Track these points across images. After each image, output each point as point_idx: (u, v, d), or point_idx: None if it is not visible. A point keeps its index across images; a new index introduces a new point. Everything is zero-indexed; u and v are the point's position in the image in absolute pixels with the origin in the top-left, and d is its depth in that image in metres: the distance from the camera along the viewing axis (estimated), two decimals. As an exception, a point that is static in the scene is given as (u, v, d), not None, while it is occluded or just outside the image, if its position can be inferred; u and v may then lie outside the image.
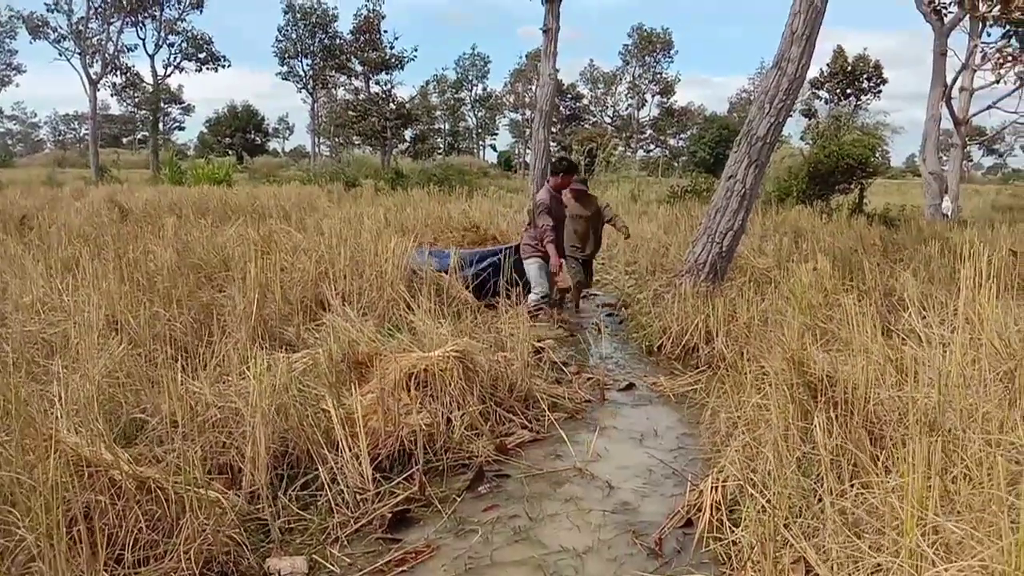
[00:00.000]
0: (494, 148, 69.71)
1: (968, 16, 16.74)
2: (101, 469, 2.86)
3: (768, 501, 2.73)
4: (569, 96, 59.66)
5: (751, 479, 2.91)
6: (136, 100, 51.91)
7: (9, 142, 67.96)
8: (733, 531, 2.92)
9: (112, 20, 38.35)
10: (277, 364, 3.87)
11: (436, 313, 6.11)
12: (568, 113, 59.45)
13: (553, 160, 8.57)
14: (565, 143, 48.98)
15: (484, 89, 66.87)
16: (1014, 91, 17.33)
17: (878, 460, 2.55)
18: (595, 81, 62.53)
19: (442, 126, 65.19)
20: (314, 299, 6.22)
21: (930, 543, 1.92)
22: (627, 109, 61.80)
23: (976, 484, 2.22)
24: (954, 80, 17.36)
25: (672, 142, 61.22)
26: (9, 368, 3.58)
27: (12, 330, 4.67)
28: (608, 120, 61.90)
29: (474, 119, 69.05)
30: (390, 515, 3.33)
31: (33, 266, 6.36)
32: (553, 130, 34.45)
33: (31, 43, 38.34)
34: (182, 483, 2.91)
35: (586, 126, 57.71)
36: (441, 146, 63.24)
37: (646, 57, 58.30)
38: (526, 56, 61.18)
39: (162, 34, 40.81)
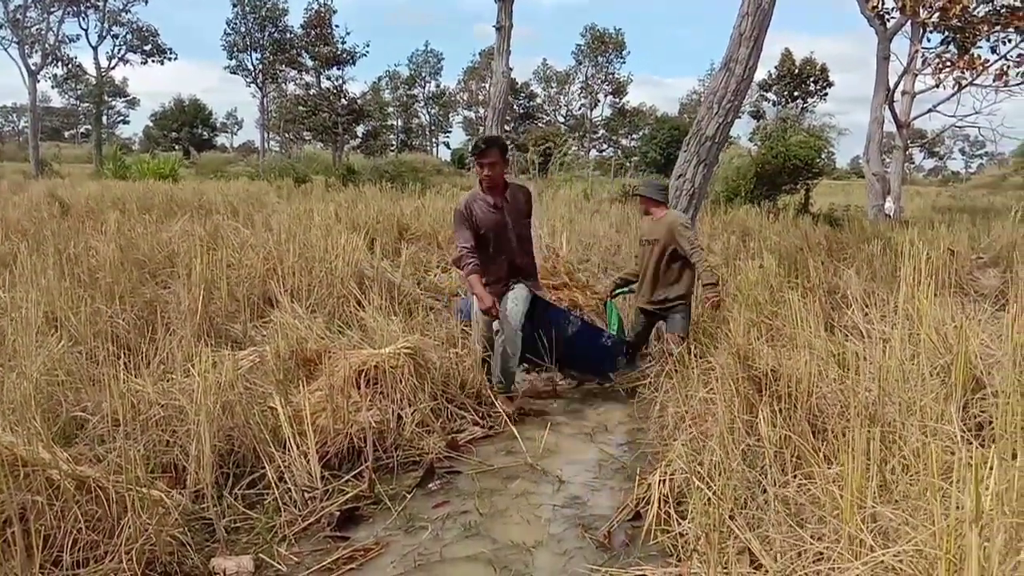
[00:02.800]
0: (448, 146, 69.56)
1: (910, 22, 17.21)
2: (38, 469, 2.77)
3: (714, 493, 2.77)
4: (523, 95, 59.72)
5: (698, 472, 2.96)
6: (78, 92, 50.57)
7: (-58, 134, 65.49)
8: (680, 523, 2.96)
9: (52, 9, 37.19)
10: (223, 361, 3.80)
11: (387, 310, 6.07)
12: (522, 112, 59.53)
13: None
14: (519, 141, 49.08)
15: (437, 86, 66.62)
16: (952, 95, 17.86)
17: (820, 451, 2.60)
18: (548, 80, 62.67)
19: (395, 123, 64.71)
20: (262, 296, 6.13)
21: (868, 530, 1.97)
22: (580, 109, 62.11)
23: (913, 474, 2.29)
24: (896, 84, 17.83)
25: (624, 142, 61.60)
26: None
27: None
28: (561, 119, 62.13)
29: (427, 116, 68.74)
30: (339, 513, 3.29)
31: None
32: (507, 128, 34.50)
33: (-36, 31, 36.87)
34: (124, 482, 2.84)
35: (540, 125, 57.88)
36: (394, 143, 62.80)
37: (599, 57, 58.64)
38: (480, 54, 61.15)
39: (105, 25, 39.75)
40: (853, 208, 18.49)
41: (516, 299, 4.81)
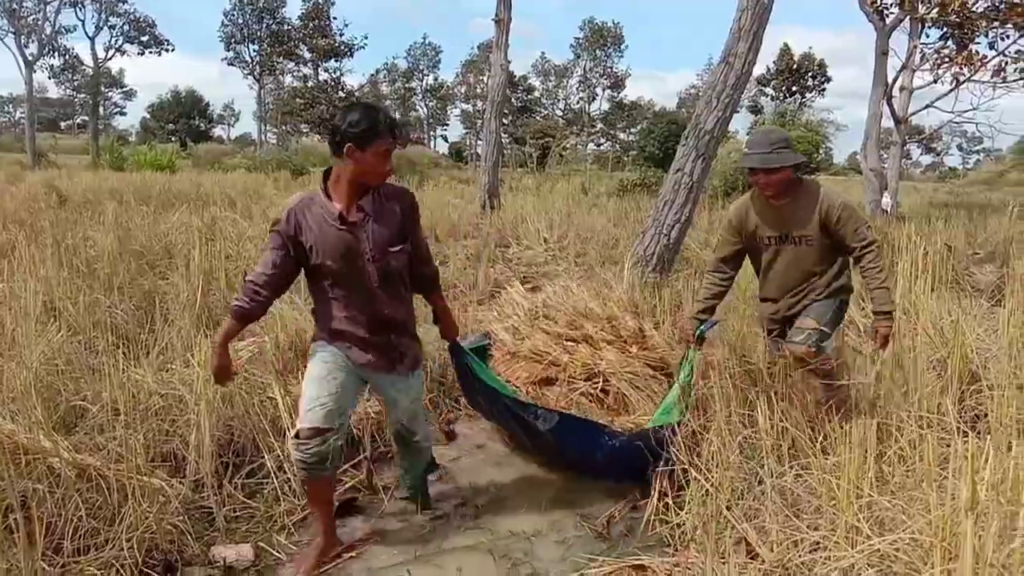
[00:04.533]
0: (445, 139, 69.52)
1: (908, 17, 17.21)
2: (39, 457, 2.79)
3: (712, 484, 2.79)
4: (521, 88, 59.63)
5: (696, 463, 2.97)
6: (75, 83, 50.38)
7: (-62, 124, 65.28)
8: (678, 514, 2.98)
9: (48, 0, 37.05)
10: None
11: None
12: (520, 105, 59.40)
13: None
14: (517, 135, 49.03)
15: (435, 79, 66.53)
16: (950, 92, 17.84)
17: (816, 443, 2.62)
18: (547, 74, 62.63)
19: (393, 115, 64.55)
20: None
21: (865, 519, 1.99)
22: (578, 102, 62.06)
23: (909, 464, 2.31)
24: (895, 79, 17.83)
25: (622, 136, 61.57)
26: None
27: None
28: (559, 113, 62.07)
29: (425, 109, 68.64)
30: (337, 503, 3.31)
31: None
32: (505, 121, 34.48)
33: (-40, 21, 36.69)
34: (124, 471, 2.86)
35: (537, 118, 57.76)
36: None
37: (597, 51, 58.59)
38: (478, 47, 61.03)
39: (103, 15, 39.58)
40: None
41: (415, 404, 3.12)
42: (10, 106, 77.53)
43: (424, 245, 3.05)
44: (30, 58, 36.02)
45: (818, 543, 2.17)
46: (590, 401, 4.18)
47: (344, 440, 2.89)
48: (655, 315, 6.53)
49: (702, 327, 3.86)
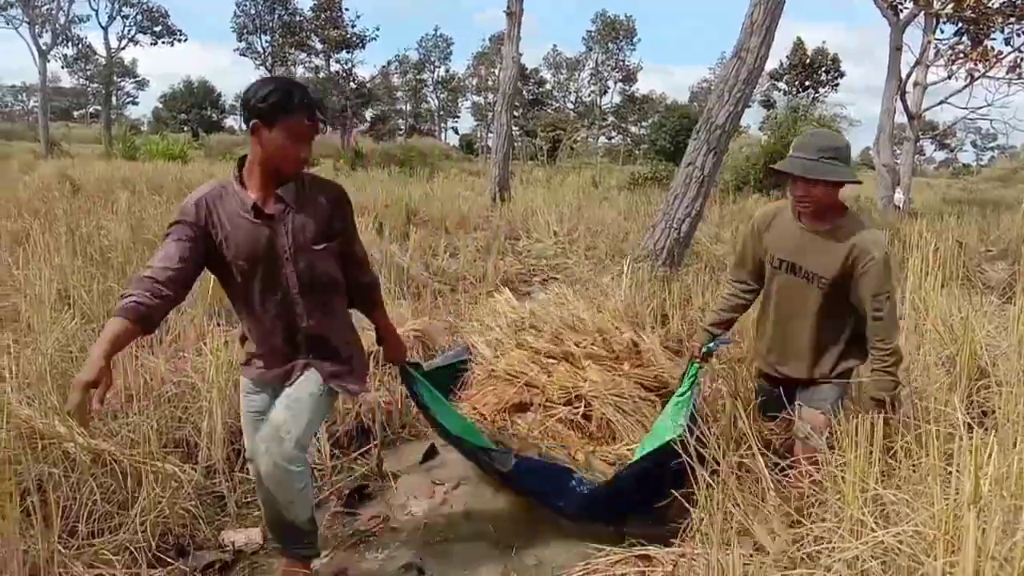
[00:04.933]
0: (456, 131, 69.43)
1: (923, 12, 17.10)
2: (55, 442, 2.84)
3: (717, 478, 2.81)
4: (532, 81, 59.54)
5: (701, 456, 2.99)
6: (88, 73, 50.54)
7: (-47, 113, 65.71)
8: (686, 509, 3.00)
9: (63, -11, 37.18)
10: (234, 341, 3.85)
11: (396, 293, 6.13)
12: (531, 98, 59.32)
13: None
14: (528, 127, 48.97)
15: (447, 71, 66.47)
16: (965, 88, 17.75)
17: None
18: (558, 66, 62.52)
19: (404, 107, 64.62)
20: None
21: (870, 512, 2.01)
22: (590, 95, 61.93)
23: (916, 459, 2.32)
24: (908, 75, 17.73)
25: (634, 129, 61.42)
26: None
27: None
28: (571, 106, 61.96)
29: (436, 101, 68.60)
30: (347, 491, 3.35)
31: (-20, 239, 6.22)
32: (516, 114, 34.42)
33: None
34: (138, 456, 2.90)
35: (549, 111, 57.68)
36: (402, 127, 62.72)
37: (609, 44, 58.42)
38: (489, 39, 60.97)
39: (116, 5, 39.70)
40: (863, 199, 18.44)
41: (295, 403, 2.44)
42: (24, 95, 77.90)
43: (361, 250, 2.60)
44: (44, 47, 36.19)
45: (822, 536, 2.19)
46: (569, 428, 3.60)
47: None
48: (664, 308, 6.56)
49: (711, 343, 3.37)
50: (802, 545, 2.24)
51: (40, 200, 9.78)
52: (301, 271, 2.36)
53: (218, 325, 4.65)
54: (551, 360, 3.91)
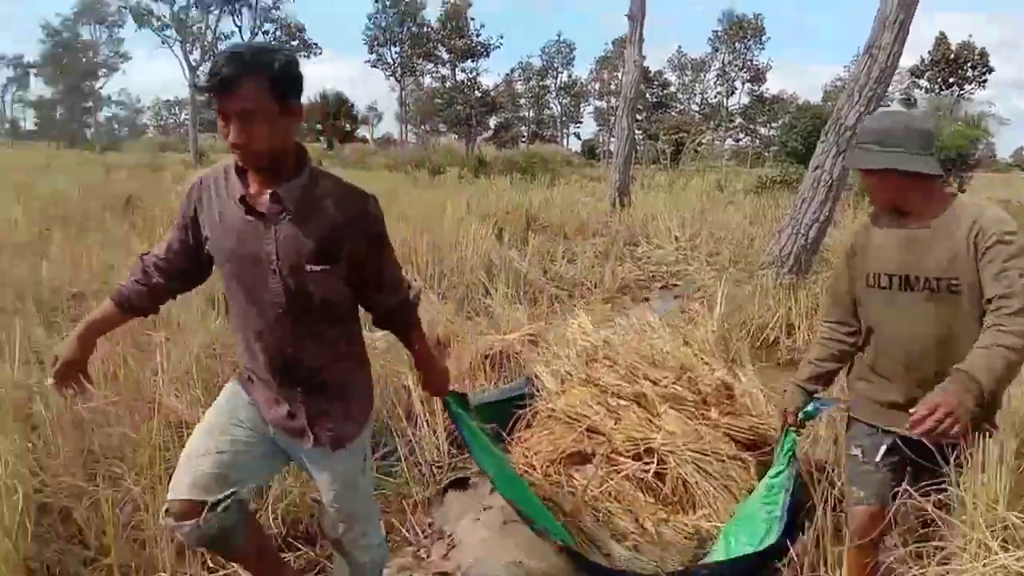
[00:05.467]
0: (578, 136, 69.52)
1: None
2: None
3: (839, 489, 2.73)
4: (656, 84, 58.85)
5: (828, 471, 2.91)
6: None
7: (115, 127, 71.38)
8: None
9: (211, 8, 39.88)
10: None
11: (513, 298, 6.25)
12: (655, 101, 58.63)
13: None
14: (651, 131, 48.43)
15: (569, 76, 66.65)
16: None
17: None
18: (683, 68, 61.51)
19: (526, 114, 65.25)
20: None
21: (995, 536, 1.92)
22: (716, 97, 60.62)
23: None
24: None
25: (763, 131, 59.61)
26: (118, 339, 3.87)
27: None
28: (696, 108, 60.84)
29: (558, 107, 68.92)
30: (447, 482, 3.44)
31: (138, 245, 6.77)
32: (639, 118, 34.08)
33: (136, 31, 40.22)
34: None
35: (672, 114, 56.83)
36: (525, 134, 63.36)
37: (736, 44, 56.99)
38: (612, 43, 60.71)
39: (258, 22, 42.22)
40: (1015, 203, 17.18)
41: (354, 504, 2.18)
42: (176, 109, 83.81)
43: (392, 272, 2.08)
44: (194, 63, 38.94)
45: (946, 560, 2.11)
46: (637, 488, 2.98)
47: (243, 515, 2.04)
48: (789, 318, 6.37)
49: (810, 406, 2.66)
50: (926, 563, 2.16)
51: (190, 208, 10.51)
52: (288, 288, 1.90)
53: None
54: (621, 401, 3.27)
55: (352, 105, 66.59)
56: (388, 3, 44.86)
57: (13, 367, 3.38)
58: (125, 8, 40.51)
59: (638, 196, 15.85)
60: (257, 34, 42.37)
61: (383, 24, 45.40)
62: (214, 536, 1.96)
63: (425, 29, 45.02)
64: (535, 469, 3.02)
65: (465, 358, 4.41)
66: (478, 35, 44.16)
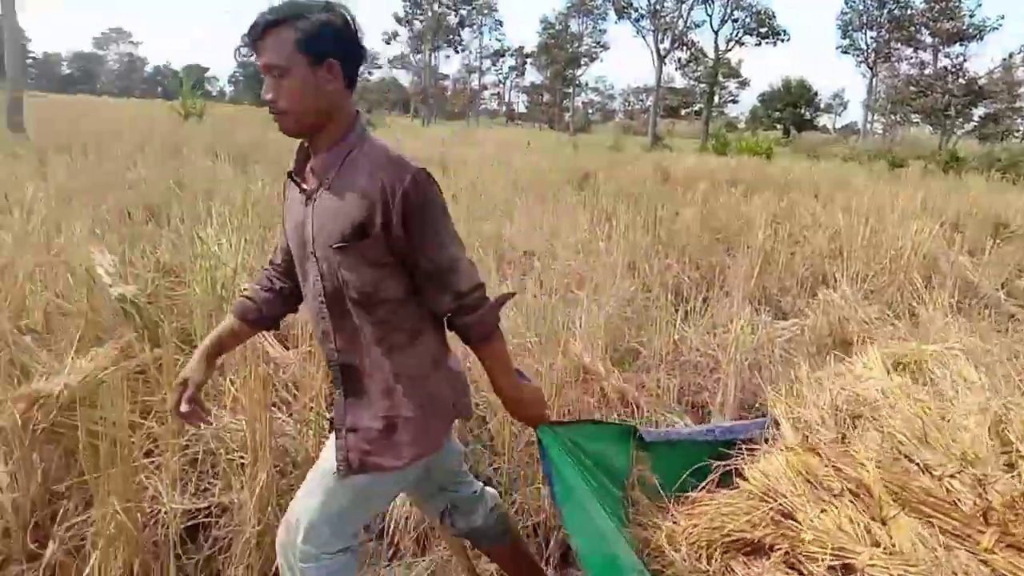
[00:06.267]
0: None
1: None
2: (595, 379, 3.48)
3: None
4: None
5: None
6: (697, 74, 55.45)
7: (589, 111, 78.56)
8: None
9: (685, -1, 41.48)
10: (762, 327, 4.12)
11: (952, 308, 5.63)
12: None
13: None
14: None
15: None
16: None
17: None
18: None
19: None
20: (818, 274, 6.24)
21: None
22: None
23: None
24: None
25: None
26: (551, 292, 4.46)
27: (558, 263, 5.70)
28: None
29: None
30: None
31: (583, 215, 7.56)
32: None
33: (616, 23, 43.75)
34: (656, 406, 3.37)
35: None
36: (1021, 128, 54.34)
37: None
38: None
39: (728, 10, 42.66)
40: None
41: (309, 480, 1.86)
42: (642, 95, 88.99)
43: (436, 261, 1.67)
44: (662, 52, 40.96)
45: None
46: None
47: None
48: None
49: None
50: None
51: (633, 186, 11.30)
52: (323, 273, 1.70)
53: (756, 313, 4.94)
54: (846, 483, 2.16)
55: (816, 93, 64.00)
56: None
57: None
58: (609, 1, 44.15)
59: None
60: (726, 21, 42.89)
61: (861, 7, 42.56)
62: None
63: (908, 11, 41.09)
64: (678, 548, 2.06)
65: (869, 359, 4.16)
66: (971, 15, 38.97)
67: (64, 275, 3.55)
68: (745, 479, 2.18)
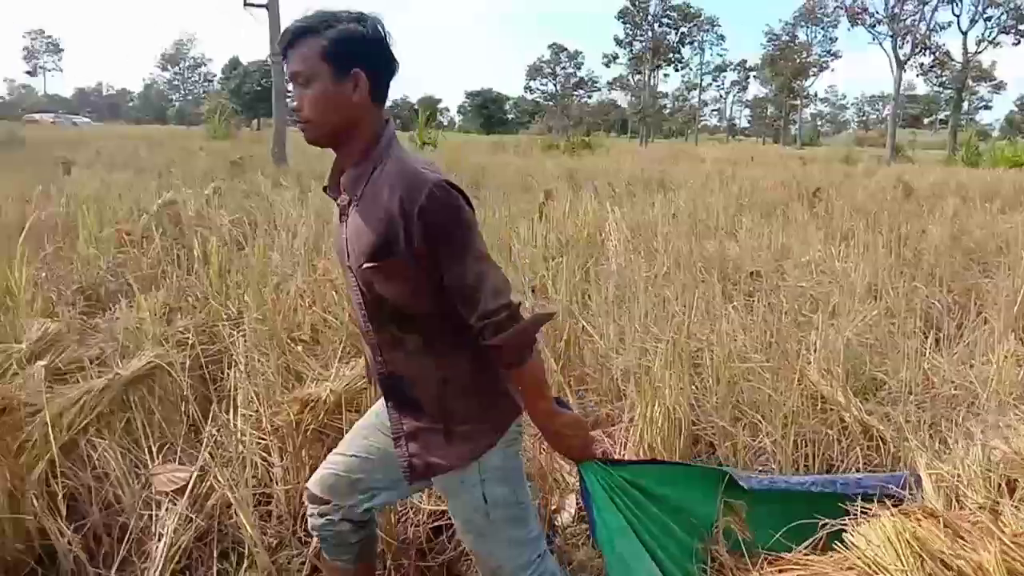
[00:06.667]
0: None
1: None
2: (834, 409, 3.28)
3: None
4: None
5: None
6: (942, 79, 50.78)
7: (819, 123, 74.48)
8: None
9: (927, 0, 38.23)
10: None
11: None
12: None
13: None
14: None
15: None
16: None
17: None
18: None
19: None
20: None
21: None
22: None
23: None
24: None
25: None
26: (781, 314, 4.28)
27: (789, 284, 5.44)
28: None
29: None
30: None
31: (815, 233, 7.17)
32: None
33: (848, 30, 41.23)
34: (899, 439, 3.11)
35: None
36: None
37: None
38: None
39: (979, 8, 38.74)
40: None
41: (475, 532, 1.82)
42: (879, 104, 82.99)
43: (463, 277, 1.60)
44: (902, 58, 37.97)
45: None
46: None
47: (368, 536, 2.01)
48: None
49: None
50: None
51: (872, 202, 10.54)
52: (361, 289, 1.69)
53: (1020, 341, 4.42)
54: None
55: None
56: None
57: (688, 325, 4.02)
58: (841, 8, 41.70)
59: None
60: (977, 21, 39.01)
61: None
62: (327, 539, 1.95)
63: None
64: None
65: None
66: None
67: (329, 292, 3.93)
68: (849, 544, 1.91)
